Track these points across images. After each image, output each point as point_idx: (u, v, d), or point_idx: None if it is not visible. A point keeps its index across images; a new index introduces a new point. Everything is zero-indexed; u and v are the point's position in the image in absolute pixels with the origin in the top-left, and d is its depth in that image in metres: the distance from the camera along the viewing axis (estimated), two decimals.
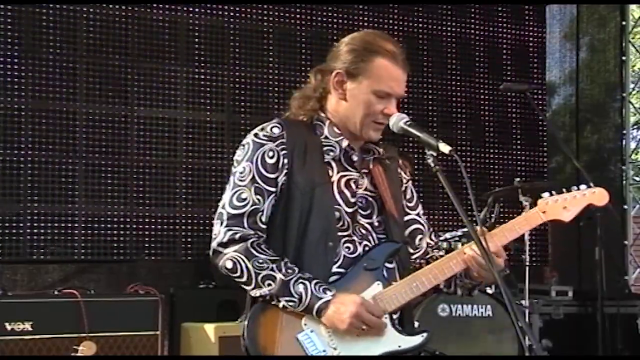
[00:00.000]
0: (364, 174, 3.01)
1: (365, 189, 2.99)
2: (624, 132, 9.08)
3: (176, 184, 7.40)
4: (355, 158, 2.99)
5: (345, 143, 2.95)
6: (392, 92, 2.92)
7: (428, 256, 3.11)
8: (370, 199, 2.99)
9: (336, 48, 3.01)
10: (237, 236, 2.83)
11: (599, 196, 3.08)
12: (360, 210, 2.95)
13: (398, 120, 2.91)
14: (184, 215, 7.40)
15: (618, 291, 7.74)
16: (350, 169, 2.98)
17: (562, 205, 3.04)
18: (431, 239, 3.17)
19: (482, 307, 6.09)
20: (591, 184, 3.11)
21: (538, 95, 8.94)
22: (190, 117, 7.47)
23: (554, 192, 3.05)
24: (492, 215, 6.07)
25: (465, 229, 4.82)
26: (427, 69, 8.51)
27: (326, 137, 2.96)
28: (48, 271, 7.01)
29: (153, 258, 7.29)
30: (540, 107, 8.80)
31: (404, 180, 3.16)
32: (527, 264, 6.58)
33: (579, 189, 3.07)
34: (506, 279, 2.67)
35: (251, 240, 2.83)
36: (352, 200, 2.94)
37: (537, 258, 8.64)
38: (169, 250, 7.35)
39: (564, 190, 3.07)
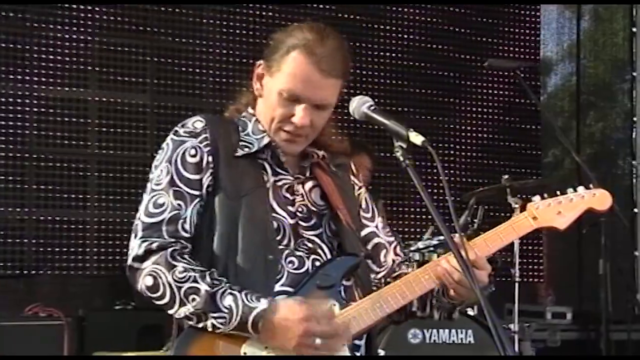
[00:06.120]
0: (300, 181, 3.04)
1: (304, 197, 3.02)
2: (635, 119, 9.16)
3: (86, 181, 7.36)
4: (283, 158, 3.01)
5: (265, 141, 2.98)
6: (302, 95, 2.90)
7: (396, 274, 3.12)
8: (313, 208, 3.02)
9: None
10: (154, 246, 2.82)
11: (600, 199, 3.11)
12: (302, 222, 2.98)
13: (360, 105, 2.91)
14: (95, 219, 7.36)
15: (627, 313, 7.82)
16: (282, 172, 3.01)
17: (556, 210, 3.06)
18: (397, 254, 3.19)
19: (461, 332, 6.11)
20: (591, 185, 3.12)
21: (531, 75, 9.01)
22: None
23: (546, 195, 3.07)
24: (475, 220, 6.11)
25: (442, 238, 4.85)
26: (401, 45, 8.58)
27: (247, 134, 3.01)
28: None
29: (57, 272, 7.25)
30: (533, 89, 8.86)
31: (357, 187, 3.20)
32: (517, 279, 6.63)
33: (575, 191, 3.09)
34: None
35: (172, 249, 2.82)
36: (292, 209, 2.98)
37: (529, 273, 8.72)
38: (77, 263, 7.31)
39: (558, 192, 3.08)
